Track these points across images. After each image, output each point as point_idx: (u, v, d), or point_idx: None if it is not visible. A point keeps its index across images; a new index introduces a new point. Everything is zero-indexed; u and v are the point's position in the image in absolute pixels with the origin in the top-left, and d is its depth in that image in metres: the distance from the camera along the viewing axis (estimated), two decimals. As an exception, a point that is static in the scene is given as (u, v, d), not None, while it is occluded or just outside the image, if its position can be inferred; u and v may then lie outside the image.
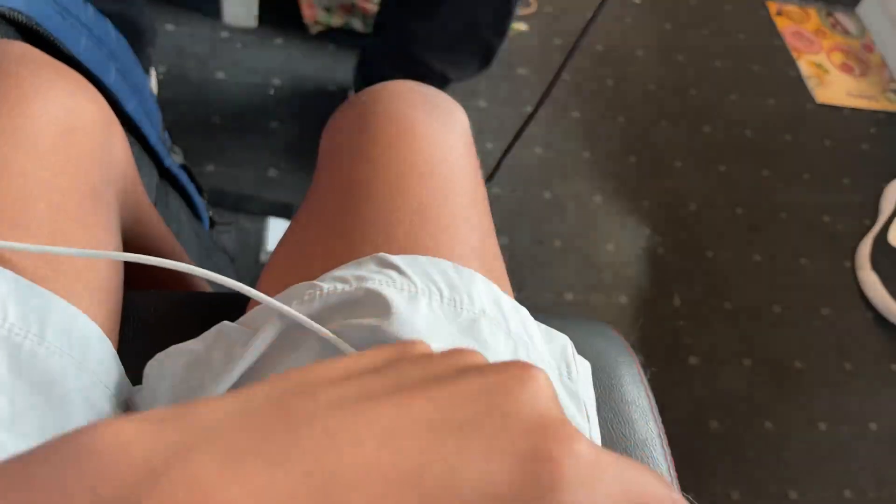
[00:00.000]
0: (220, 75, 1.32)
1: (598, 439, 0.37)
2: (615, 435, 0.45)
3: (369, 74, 1.23)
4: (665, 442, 0.47)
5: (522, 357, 0.36)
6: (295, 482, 0.17)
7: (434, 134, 0.45)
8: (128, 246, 0.47)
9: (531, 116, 0.60)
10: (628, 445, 0.45)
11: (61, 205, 0.38)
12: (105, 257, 0.38)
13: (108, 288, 0.40)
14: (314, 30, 1.42)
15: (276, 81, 1.35)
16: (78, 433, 0.17)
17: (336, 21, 1.42)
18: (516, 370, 0.21)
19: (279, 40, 1.40)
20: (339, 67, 1.40)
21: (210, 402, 0.19)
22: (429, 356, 0.23)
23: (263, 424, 0.18)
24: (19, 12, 0.59)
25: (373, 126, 0.45)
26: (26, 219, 0.35)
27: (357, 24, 1.43)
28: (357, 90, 1.28)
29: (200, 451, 0.17)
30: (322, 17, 1.41)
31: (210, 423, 0.18)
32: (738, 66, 1.74)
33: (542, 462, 0.18)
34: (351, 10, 1.42)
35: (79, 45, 0.64)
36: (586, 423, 0.36)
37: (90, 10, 0.69)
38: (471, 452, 0.18)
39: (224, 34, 1.37)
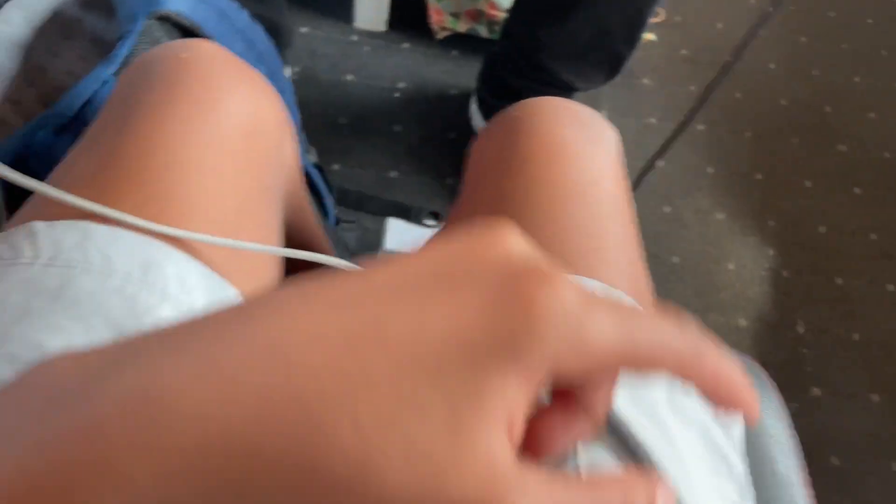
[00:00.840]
0: (349, 77, 1.36)
1: (743, 474, 0.36)
2: (756, 471, 0.44)
3: (493, 81, 1.23)
4: (806, 481, 0.45)
5: (678, 393, 0.35)
6: (246, 351, 0.17)
7: (585, 154, 0.44)
8: (287, 239, 0.49)
9: (678, 131, 0.59)
10: (767, 484, 0.44)
11: (243, 203, 0.40)
12: (284, 255, 0.39)
13: (273, 282, 0.42)
14: (440, 35, 1.44)
15: (402, 85, 1.37)
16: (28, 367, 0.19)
17: (462, 27, 1.43)
18: (479, 228, 0.20)
19: (406, 45, 1.43)
20: (462, 73, 1.42)
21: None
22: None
23: (215, 319, 0.19)
24: (185, 17, 0.63)
25: (523, 143, 0.45)
26: (218, 215, 0.37)
27: (482, 31, 1.44)
28: (479, 96, 1.29)
29: (147, 350, 0.18)
30: (449, 22, 1.43)
31: (151, 336, 0.19)
32: (879, 83, 1.64)
33: (517, 305, 0.17)
34: (477, 16, 1.43)
35: (235, 49, 0.68)
36: (738, 460, 0.35)
37: (245, 15, 0.72)
38: (436, 305, 0.17)
39: (354, 37, 1.41)
